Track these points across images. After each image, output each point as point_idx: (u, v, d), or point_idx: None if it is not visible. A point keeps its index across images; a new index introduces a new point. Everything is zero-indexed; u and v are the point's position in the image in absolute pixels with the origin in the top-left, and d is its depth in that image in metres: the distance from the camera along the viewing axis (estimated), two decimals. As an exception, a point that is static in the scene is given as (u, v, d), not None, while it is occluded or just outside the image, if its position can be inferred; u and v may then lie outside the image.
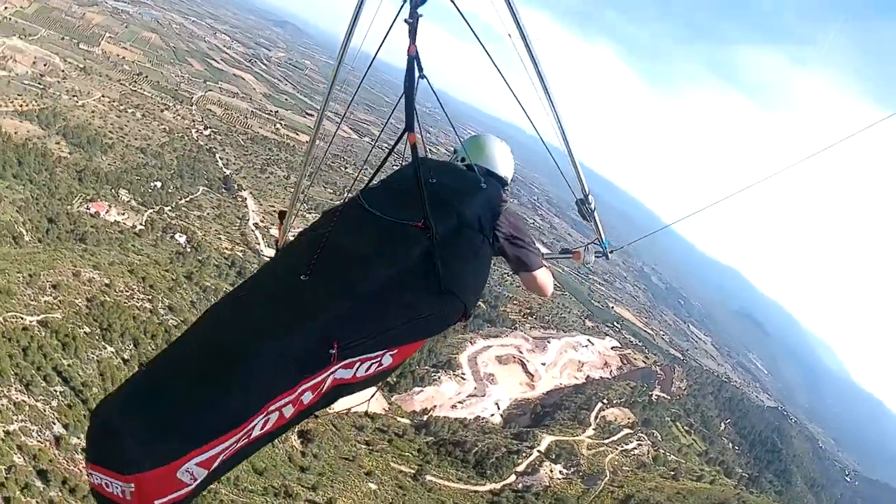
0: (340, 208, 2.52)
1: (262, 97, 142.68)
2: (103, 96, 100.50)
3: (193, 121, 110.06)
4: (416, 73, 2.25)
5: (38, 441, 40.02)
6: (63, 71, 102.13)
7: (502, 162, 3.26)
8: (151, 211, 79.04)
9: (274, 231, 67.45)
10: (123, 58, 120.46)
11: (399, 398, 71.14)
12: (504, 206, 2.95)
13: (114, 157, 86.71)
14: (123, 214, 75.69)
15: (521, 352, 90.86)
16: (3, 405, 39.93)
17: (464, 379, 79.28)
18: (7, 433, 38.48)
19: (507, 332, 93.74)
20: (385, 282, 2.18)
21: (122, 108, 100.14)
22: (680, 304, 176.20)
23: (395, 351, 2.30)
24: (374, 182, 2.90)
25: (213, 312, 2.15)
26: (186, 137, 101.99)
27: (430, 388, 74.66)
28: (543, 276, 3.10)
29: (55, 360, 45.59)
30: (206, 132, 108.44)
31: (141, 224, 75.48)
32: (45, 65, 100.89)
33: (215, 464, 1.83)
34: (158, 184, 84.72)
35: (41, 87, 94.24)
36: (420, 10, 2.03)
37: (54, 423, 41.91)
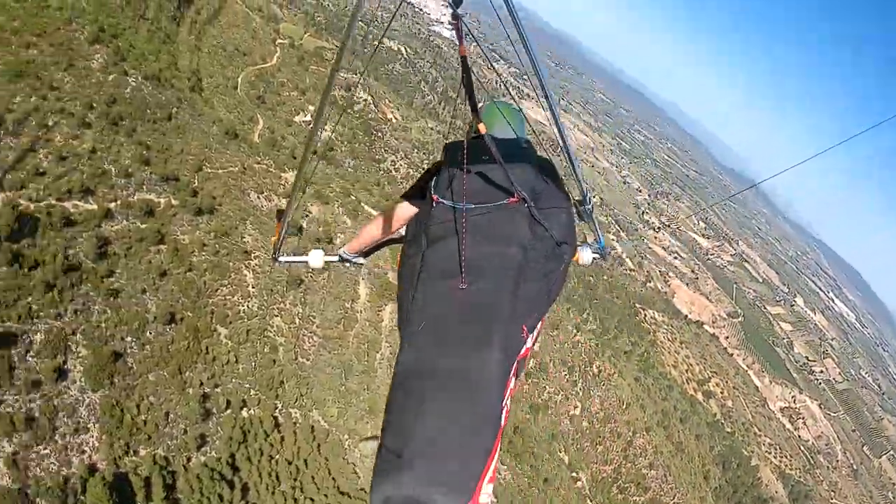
0: (436, 216, 2.49)
1: None
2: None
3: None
4: (470, 71, 2.30)
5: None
6: (838, 461, 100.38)
7: (519, 124, 3.09)
8: None
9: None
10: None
11: None
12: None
13: None
14: None
15: None
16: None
17: None
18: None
19: None
20: (522, 259, 2.27)
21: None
22: None
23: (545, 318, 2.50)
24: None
25: (408, 361, 2.00)
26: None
27: None
28: None
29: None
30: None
31: None
32: (826, 444, 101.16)
33: (495, 473, 1.88)
34: None
35: (811, 463, 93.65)
36: (461, 11, 1.91)
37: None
